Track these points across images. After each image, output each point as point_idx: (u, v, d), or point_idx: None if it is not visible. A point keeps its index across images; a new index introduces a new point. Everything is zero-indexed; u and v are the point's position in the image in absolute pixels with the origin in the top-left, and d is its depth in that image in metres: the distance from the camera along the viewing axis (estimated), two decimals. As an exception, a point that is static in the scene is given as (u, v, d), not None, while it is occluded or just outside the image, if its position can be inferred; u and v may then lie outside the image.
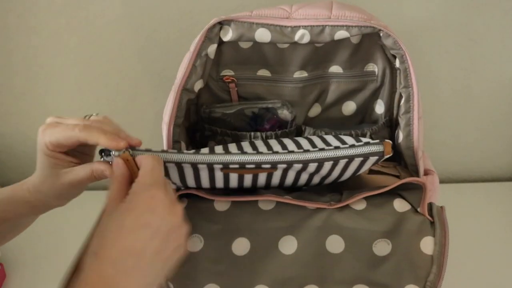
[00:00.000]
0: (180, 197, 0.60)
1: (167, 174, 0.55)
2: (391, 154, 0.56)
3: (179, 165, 0.54)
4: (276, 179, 0.58)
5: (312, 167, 0.55)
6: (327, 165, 0.55)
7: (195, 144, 0.72)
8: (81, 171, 0.53)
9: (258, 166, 0.54)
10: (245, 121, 0.70)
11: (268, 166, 0.54)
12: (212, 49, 0.63)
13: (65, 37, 0.87)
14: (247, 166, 0.54)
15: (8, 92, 0.94)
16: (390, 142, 0.55)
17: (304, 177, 0.58)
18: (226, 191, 0.60)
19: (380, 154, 0.55)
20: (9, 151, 1.01)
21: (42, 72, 0.91)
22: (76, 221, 0.92)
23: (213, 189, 0.60)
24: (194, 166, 0.54)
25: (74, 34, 0.87)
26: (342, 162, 0.55)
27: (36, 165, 0.54)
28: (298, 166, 0.54)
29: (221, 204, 0.59)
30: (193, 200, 0.59)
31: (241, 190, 0.60)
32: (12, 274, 0.81)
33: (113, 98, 0.94)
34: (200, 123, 0.71)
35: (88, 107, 0.95)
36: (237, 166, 0.54)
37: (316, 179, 0.59)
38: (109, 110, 0.95)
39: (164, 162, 0.53)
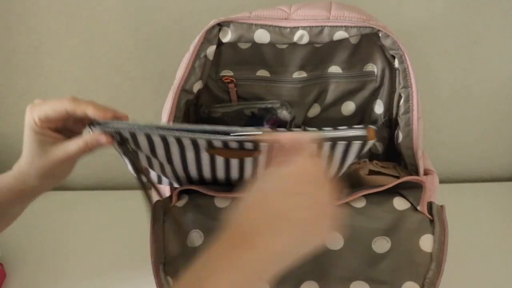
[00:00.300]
0: (181, 193, 0.60)
1: (153, 151, 0.56)
2: (374, 140, 0.54)
3: (165, 141, 0.54)
4: (262, 165, 0.57)
5: None
6: None
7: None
8: (71, 145, 0.53)
9: (242, 146, 0.53)
10: (244, 121, 0.70)
11: (251, 147, 0.53)
12: (211, 50, 0.63)
13: (65, 37, 0.87)
14: (231, 145, 0.53)
15: (8, 92, 0.94)
16: (374, 127, 0.54)
17: None
18: (228, 187, 0.60)
19: (364, 139, 0.54)
20: (9, 151, 1.01)
21: (42, 72, 0.91)
22: (76, 221, 0.92)
23: (213, 184, 0.60)
24: (180, 142, 0.54)
25: (74, 34, 0.87)
26: (326, 147, 0.55)
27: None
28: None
29: (222, 201, 0.59)
30: (194, 196, 0.60)
31: (229, 183, 0.60)
32: (12, 274, 0.81)
33: (113, 98, 0.94)
34: (199, 123, 0.71)
35: (88, 107, 0.95)
36: (220, 144, 0.53)
37: None
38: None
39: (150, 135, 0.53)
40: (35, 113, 0.52)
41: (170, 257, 0.58)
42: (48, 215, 0.94)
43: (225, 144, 0.53)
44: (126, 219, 0.88)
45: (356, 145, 0.55)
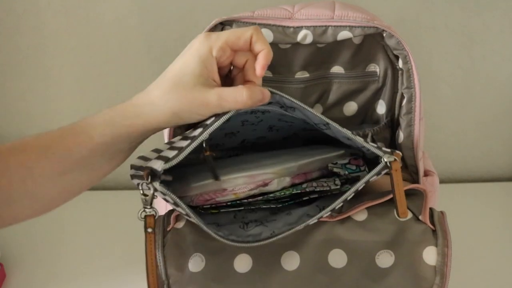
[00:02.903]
0: (178, 216, 0.57)
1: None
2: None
3: None
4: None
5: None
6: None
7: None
8: (230, 92, 0.47)
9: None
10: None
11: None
12: (213, 49, 0.63)
13: (65, 37, 0.87)
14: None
15: (8, 92, 0.94)
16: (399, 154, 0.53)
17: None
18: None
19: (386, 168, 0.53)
20: (9, 151, 1.01)
21: (42, 72, 0.91)
22: (76, 221, 0.92)
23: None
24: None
25: (74, 34, 0.87)
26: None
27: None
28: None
29: None
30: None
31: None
32: (12, 274, 0.81)
33: (113, 98, 0.94)
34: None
35: (88, 107, 0.95)
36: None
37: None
38: (109, 110, 0.95)
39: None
40: (213, 39, 0.47)
41: (172, 281, 0.56)
42: (48, 215, 0.93)
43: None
44: (126, 219, 0.87)
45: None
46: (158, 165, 0.46)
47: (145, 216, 0.49)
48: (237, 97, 0.48)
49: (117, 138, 0.49)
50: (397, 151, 0.53)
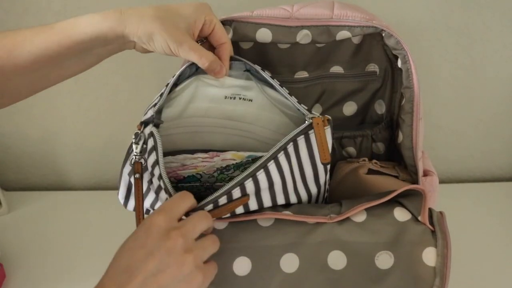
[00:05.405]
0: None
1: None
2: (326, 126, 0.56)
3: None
4: (253, 205, 0.57)
5: (262, 177, 0.54)
6: (273, 169, 0.55)
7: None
8: (196, 50, 0.56)
9: (230, 197, 0.54)
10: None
11: (239, 194, 0.54)
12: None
13: (65, 37, 0.87)
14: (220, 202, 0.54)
15: (8, 92, 0.94)
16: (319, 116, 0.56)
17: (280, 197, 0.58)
18: None
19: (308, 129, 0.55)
20: (9, 151, 1.01)
21: (42, 72, 0.91)
22: (76, 221, 0.92)
23: None
24: None
25: (74, 34, 0.87)
26: (282, 158, 0.55)
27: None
28: (251, 186, 0.54)
29: (219, 224, 0.57)
30: None
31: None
32: (12, 274, 0.81)
33: (113, 98, 0.94)
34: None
35: (88, 106, 0.95)
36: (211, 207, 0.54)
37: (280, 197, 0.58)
38: (109, 110, 0.95)
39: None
40: (208, 9, 0.60)
41: None
42: (48, 215, 0.94)
43: (216, 203, 0.54)
44: (127, 219, 0.87)
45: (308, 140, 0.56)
46: (150, 113, 0.57)
47: (134, 162, 0.54)
48: (202, 55, 0.56)
49: (95, 40, 0.55)
50: (324, 116, 0.57)
